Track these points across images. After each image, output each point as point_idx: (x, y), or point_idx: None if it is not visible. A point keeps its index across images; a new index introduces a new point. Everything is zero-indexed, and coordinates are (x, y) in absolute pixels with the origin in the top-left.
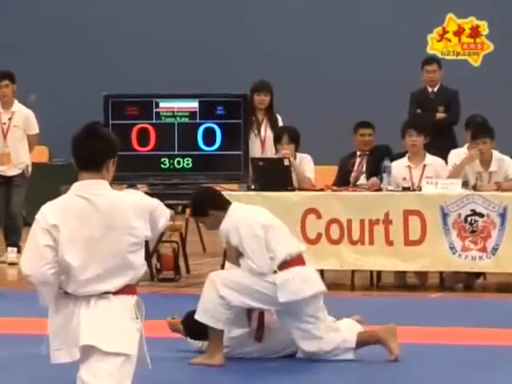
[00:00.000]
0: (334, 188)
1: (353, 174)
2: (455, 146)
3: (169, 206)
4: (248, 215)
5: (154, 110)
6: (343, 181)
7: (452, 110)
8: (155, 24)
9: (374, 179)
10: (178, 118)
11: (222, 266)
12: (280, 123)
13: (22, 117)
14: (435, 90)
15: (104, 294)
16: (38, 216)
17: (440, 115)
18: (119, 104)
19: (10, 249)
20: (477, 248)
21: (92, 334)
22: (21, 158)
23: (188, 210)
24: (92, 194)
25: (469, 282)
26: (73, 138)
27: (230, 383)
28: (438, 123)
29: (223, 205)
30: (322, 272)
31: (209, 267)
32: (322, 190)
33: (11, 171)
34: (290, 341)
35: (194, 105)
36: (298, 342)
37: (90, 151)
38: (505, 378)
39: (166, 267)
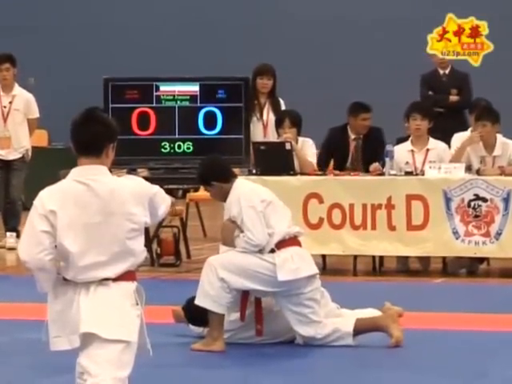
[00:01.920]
0: (336, 172)
1: (353, 162)
2: (466, 130)
3: (169, 190)
4: (251, 189)
5: (155, 93)
6: (328, 156)
7: (464, 94)
8: (156, 7)
9: (375, 164)
10: (178, 102)
11: None
12: (282, 107)
13: (23, 100)
14: (446, 72)
15: (103, 281)
16: (35, 201)
17: (453, 98)
18: (119, 87)
19: (8, 233)
20: (480, 233)
21: (92, 321)
22: (21, 142)
23: (188, 195)
24: (91, 179)
25: (472, 267)
26: (72, 123)
27: (230, 369)
28: (451, 106)
29: (227, 178)
30: (324, 257)
31: (210, 252)
32: (324, 174)
33: (11, 155)
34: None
35: (194, 88)
36: (295, 326)
37: (89, 136)
38: (507, 363)
39: (167, 252)
